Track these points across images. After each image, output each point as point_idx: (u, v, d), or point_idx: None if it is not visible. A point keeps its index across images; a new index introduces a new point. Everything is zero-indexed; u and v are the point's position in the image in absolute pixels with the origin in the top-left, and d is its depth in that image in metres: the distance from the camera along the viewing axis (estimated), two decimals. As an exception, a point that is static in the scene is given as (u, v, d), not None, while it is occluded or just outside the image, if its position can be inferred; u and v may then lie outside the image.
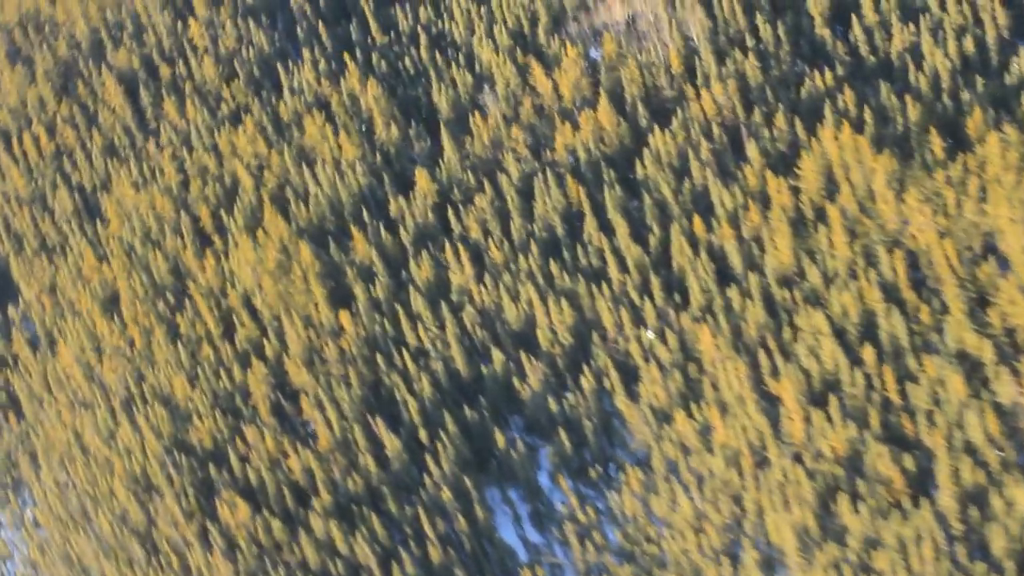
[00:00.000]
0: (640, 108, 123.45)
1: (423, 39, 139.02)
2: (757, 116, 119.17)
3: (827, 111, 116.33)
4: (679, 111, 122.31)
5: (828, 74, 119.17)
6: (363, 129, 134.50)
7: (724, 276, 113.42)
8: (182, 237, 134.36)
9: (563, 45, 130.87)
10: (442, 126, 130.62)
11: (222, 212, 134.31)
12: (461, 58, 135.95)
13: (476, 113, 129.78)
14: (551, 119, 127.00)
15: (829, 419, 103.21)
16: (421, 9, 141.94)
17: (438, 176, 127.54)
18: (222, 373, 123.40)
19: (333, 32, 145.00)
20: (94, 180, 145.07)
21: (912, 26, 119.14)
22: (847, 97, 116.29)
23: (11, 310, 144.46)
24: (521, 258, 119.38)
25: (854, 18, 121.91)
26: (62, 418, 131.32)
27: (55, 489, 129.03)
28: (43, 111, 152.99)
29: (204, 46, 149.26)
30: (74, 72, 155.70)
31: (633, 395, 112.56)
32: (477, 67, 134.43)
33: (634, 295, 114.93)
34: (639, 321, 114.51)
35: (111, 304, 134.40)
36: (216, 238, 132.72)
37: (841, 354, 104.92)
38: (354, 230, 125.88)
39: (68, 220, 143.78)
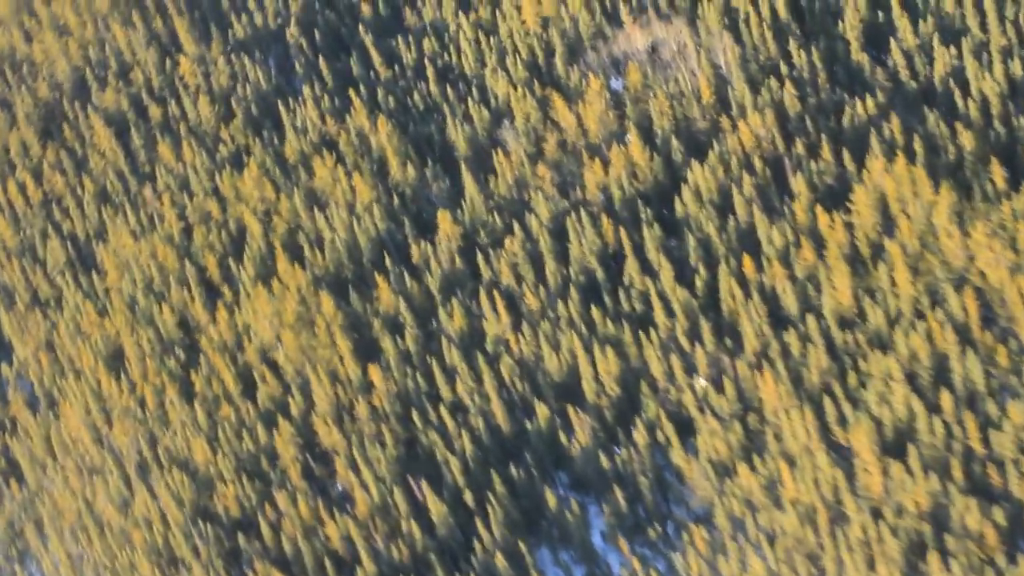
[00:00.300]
0: (674, 142, 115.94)
1: (431, 72, 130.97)
2: (799, 147, 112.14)
3: (873, 141, 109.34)
4: (715, 144, 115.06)
5: (869, 101, 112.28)
6: (375, 169, 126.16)
7: (778, 319, 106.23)
8: (188, 288, 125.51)
9: (584, 76, 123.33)
10: (462, 165, 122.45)
11: (230, 261, 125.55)
12: (475, 92, 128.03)
13: (497, 150, 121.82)
14: (578, 155, 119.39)
15: (908, 471, 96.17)
16: (425, 41, 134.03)
17: (461, 218, 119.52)
18: (245, 434, 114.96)
19: (333, 67, 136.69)
20: (87, 229, 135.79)
21: (954, 49, 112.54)
22: (893, 126, 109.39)
23: (5, 368, 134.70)
24: (560, 304, 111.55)
25: (892, 42, 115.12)
26: (70, 485, 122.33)
27: (67, 561, 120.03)
28: (27, 156, 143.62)
29: (196, 84, 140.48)
30: (58, 114, 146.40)
31: (690, 448, 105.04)
32: (493, 101, 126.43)
33: (683, 341, 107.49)
34: (690, 369, 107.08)
35: (115, 361, 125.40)
36: (226, 289, 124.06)
37: (916, 400, 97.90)
38: (378, 278, 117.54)
39: (62, 271, 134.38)
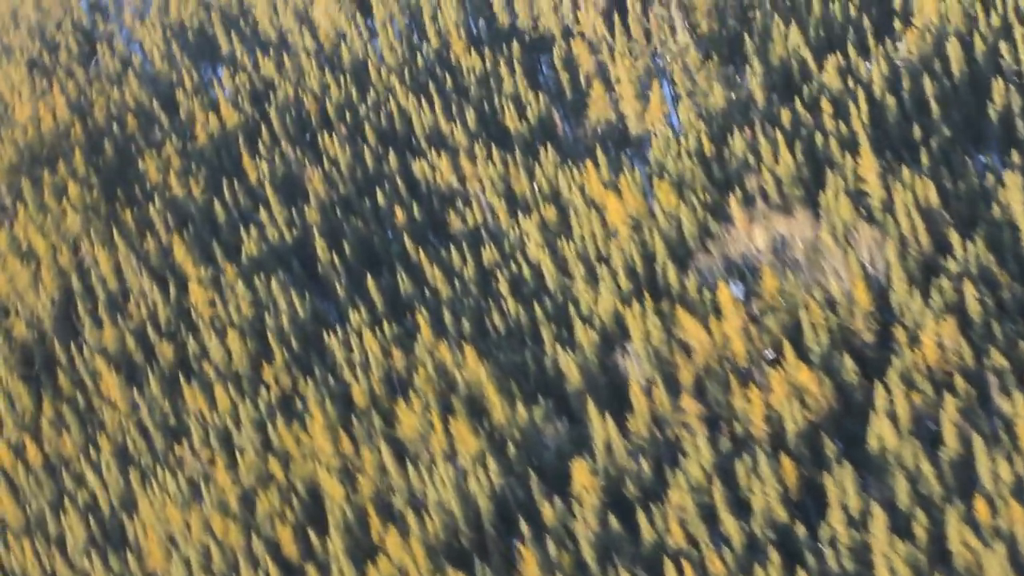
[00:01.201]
0: (846, 360, 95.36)
1: (504, 287, 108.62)
2: (996, 358, 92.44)
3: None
4: (893, 359, 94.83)
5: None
6: (466, 410, 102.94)
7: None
8: (263, 570, 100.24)
9: (707, 284, 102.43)
10: (587, 401, 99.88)
11: (310, 532, 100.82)
12: (571, 308, 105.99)
13: (629, 381, 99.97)
14: (722, 380, 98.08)
15: None
16: (483, 250, 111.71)
17: (595, 466, 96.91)
18: None
19: (377, 285, 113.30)
20: (110, 498, 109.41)
21: None
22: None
23: None
24: (757, 568, 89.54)
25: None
26: None
27: None
28: (15, 411, 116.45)
29: (211, 315, 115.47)
30: (43, 358, 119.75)
31: None
32: (597, 320, 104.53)
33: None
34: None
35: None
36: (311, 568, 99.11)
37: None
38: (520, 547, 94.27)
39: (85, 552, 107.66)
